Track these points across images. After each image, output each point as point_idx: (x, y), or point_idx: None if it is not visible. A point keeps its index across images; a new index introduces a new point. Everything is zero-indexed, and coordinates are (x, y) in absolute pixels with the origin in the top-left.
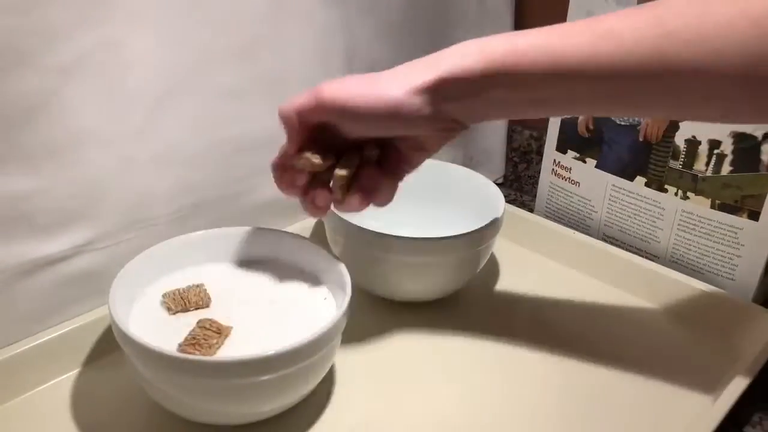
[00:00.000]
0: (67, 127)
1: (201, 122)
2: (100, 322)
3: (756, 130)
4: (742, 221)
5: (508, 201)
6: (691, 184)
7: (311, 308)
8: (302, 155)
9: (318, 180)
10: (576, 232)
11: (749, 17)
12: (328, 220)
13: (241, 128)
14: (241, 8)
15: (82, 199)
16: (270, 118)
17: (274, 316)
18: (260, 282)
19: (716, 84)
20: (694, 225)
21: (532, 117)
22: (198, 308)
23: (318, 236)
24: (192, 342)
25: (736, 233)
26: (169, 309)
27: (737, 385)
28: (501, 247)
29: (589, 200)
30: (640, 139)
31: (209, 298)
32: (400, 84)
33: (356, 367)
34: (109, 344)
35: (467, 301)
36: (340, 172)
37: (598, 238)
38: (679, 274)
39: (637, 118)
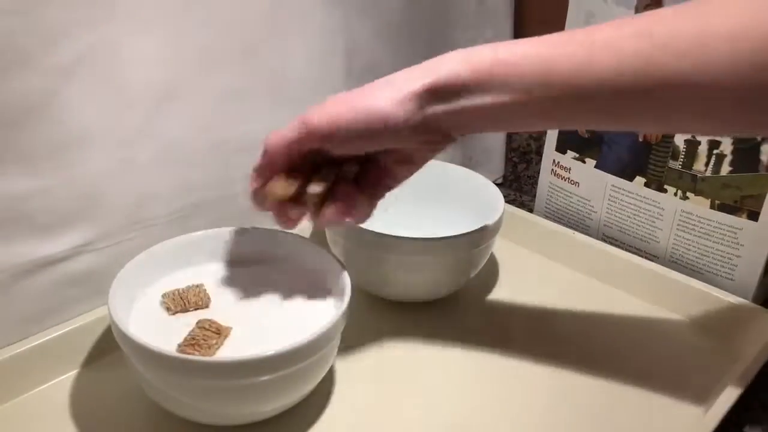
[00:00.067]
0: (67, 127)
1: (201, 122)
2: (100, 323)
3: None
4: (741, 221)
5: (507, 201)
6: (690, 185)
7: (311, 308)
8: (273, 186)
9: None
10: (575, 232)
11: (742, 30)
12: None
13: (241, 128)
14: (242, 8)
15: (82, 200)
16: (270, 118)
17: (273, 316)
18: (260, 282)
19: (708, 97)
20: (694, 225)
21: (520, 130)
22: (197, 308)
23: (318, 236)
24: (191, 342)
25: (735, 233)
26: (168, 309)
27: (737, 386)
28: (500, 248)
29: (589, 200)
30: (640, 140)
31: (209, 299)
32: (386, 95)
33: (356, 367)
34: (109, 344)
35: (467, 302)
36: (314, 189)
37: (597, 239)
38: (679, 274)
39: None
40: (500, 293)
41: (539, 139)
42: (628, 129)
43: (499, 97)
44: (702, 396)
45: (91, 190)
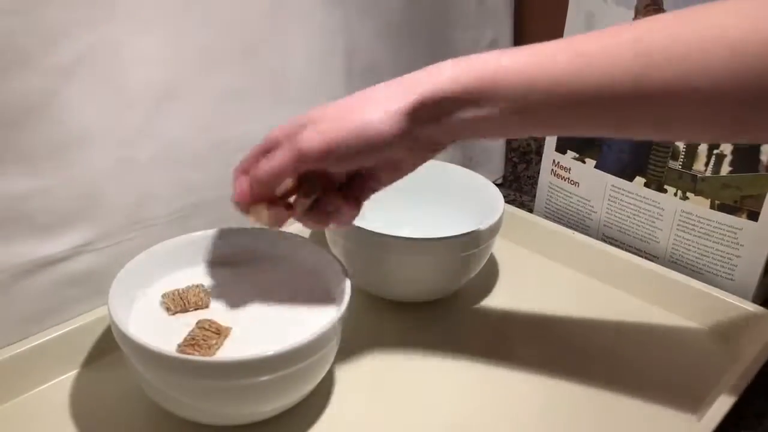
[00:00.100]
0: (67, 127)
1: (201, 122)
2: (100, 323)
3: None
4: (741, 221)
5: (507, 201)
6: (690, 185)
7: (311, 309)
8: (260, 214)
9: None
10: (575, 232)
11: (728, 39)
12: None
13: (241, 128)
14: (242, 8)
15: (82, 199)
16: (270, 118)
17: (273, 316)
18: (259, 282)
19: (697, 105)
20: (694, 225)
21: (511, 137)
22: (197, 309)
23: (317, 236)
24: (191, 343)
25: (735, 233)
26: (168, 309)
27: (736, 386)
28: (500, 248)
29: (589, 200)
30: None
31: (208, 299)
32: (377, 109)
33: (355, 367)
34: (109, 344)
35: (466, 302)
36: (302, 204)
37: (597, 239)
38: (679, 274)
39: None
40: (500, 293)
41: (539, 139)
42: (628, 136)
43: (492, 109)
44: (701, 396)
45: (91, 190)
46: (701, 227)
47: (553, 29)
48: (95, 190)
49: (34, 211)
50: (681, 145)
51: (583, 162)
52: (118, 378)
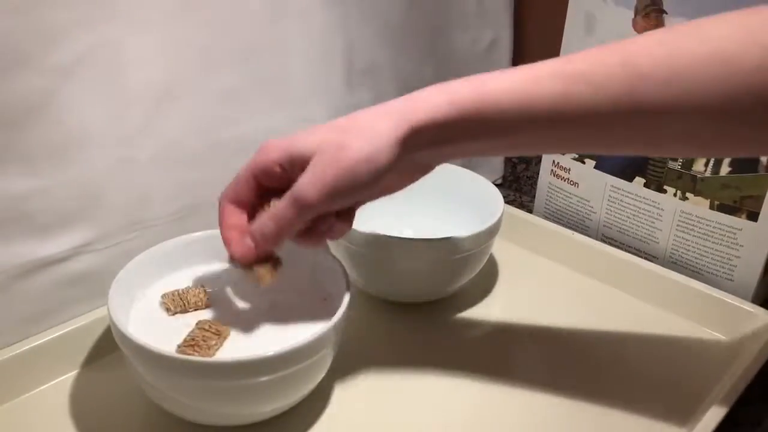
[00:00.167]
0: (67, 127)
1: (201, 123)
2: (100, 323)
3: None
4: (741, 222)
5: (507, 202)
6: (690, 185)
7: (310, 309)
8: (263, 274)
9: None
10: (575, 232)
11: (720, 56)
12: None
13: (240, 129)
14: (241, 9)
15: (82, 200)
16: (270, 119)
17: (273, 317)
18: None
19: (690, 122)
20: (693, 226)
21: (505, 155)
22: (197, 309)
23: None
24: (191, 343)
25: (734, 234)
26: (168, 310)
27: (736, 386)
28: (500, 248)
29: (588, 201)
30: None
31: (208, 300)
32: (369, 143)
33: (355, 368)
34: (109, 345)
35: (466, 302)
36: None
37: (597, 239)
38: (678, 274)
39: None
40: (499, 294)
41: None
42: (619, 153)
43: (482, 134)
44: (701, 397)
45: (90, 191)
46: (701, 228)
47: (553, 29)
48: (95, 191)
49: (34, 212)
50: None
51: (583, 162)
52: (117, 378)
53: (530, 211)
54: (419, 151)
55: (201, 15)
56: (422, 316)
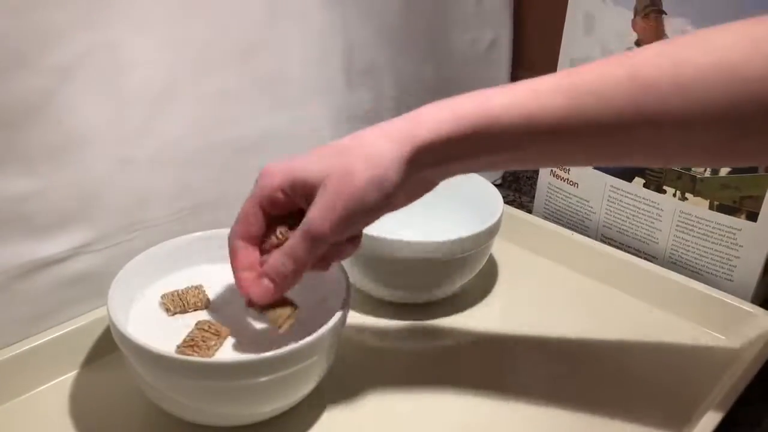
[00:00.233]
0: (66, 127)
1: (200, 123)
2: (99, 323)
3: None
4: (740, 222)
5: (506, 202)
6: (689, 185)
7: (310, 309)
8: (279, 316)
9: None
10: (574, 233)
11: (725, 66)
12: None
13: (240, 129)
14: (240, 9)
15: (81, 200)
16: (269, 119)
17: None
18: None
19: (694, 132)
20: (693, 226)
21: (511, 169)
22: (196, 309)
23: None
24: (190, 344)
25: (734, 234)
26: (167, 310)
27: (736, 386)
28: (499, 249)
29: (588, 201)
30: None
31: (208, 300)
32: (376, 164)
33: (355, 368)
34: (108, 345)
35: (466, 303)
36: None
37: (596, 239)
38: (678, 275)
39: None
40: (499, 294)
41: None
42: (617, 164)
43: (487, 150)
44: (701, 397)
45: (90, 191)
46: (700, 228)
47: (553, 29)
48: (94, 191)
49: (34, 212)
50: None
51: None
52: (117, 379)
53: (530, 212)
54: (425, 169)
55: (200, 15)
56: (422, 317)
